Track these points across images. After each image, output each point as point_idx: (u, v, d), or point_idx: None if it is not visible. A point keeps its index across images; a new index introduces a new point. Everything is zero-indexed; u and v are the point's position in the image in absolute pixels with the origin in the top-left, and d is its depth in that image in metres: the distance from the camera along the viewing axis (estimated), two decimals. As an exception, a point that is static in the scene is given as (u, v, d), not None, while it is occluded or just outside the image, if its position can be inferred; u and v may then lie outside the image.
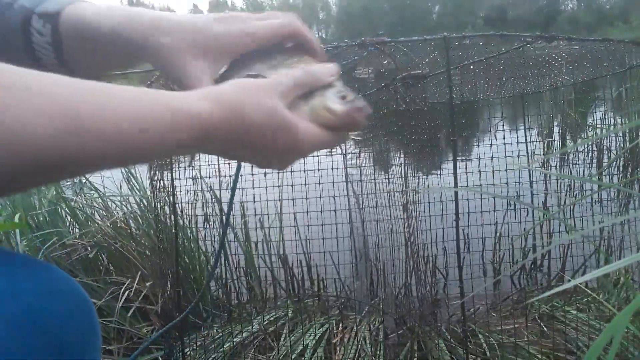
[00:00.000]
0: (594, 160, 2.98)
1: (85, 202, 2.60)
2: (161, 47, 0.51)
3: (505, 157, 2.04)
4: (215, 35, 0.52)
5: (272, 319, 1.95)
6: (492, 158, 2.06)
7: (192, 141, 0.42)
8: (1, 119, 0.32)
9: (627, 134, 3.02)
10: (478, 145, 2.18)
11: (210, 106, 0.43)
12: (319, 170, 1.99)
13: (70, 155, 0.35)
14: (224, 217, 1.45)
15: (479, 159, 2.03)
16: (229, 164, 1.85)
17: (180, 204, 1.93)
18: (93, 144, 0.36)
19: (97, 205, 2.56)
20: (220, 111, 0.44)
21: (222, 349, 1.77)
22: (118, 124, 0.37)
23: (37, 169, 0.35)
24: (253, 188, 1.99)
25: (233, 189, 0.89)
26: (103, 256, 2.27)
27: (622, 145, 2.92)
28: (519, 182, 2.42)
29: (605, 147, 3.06)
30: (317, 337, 1.79)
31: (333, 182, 2.08)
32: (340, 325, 1.88)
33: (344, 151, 2.37)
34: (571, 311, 1.85)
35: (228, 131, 0.45)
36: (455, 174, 1.57)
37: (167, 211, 1.82)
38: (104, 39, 0.55)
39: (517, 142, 2.10)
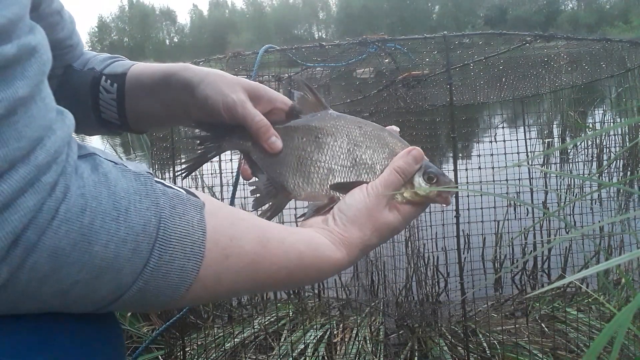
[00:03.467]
0: (594, 159, 2.98)
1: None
2: (215, 82, 0.68)
3: (505, 154, 2.04)
4: (237, 80, 0.70)
5: (272, 319, 1.95)
6: (491, 155, 2.05)
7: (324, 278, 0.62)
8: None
9: (627, 134, 3.02)
10: (478, 143, 2.17)
11: (344, 255, 0.59)
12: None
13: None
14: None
15: (479, 155, 2.03)
16: (230, 160, 1.85)
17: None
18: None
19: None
20: (350, 255, 0.60)
21: (222, 349, 1.77)
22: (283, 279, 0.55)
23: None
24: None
25: (234, 187, 0.89)
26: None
27: (622, 144, 2.92)
28: (519, 179, 2.41)
29: (605, 147, 3.05)
30: (318, 337, 1.79)
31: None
32: (341, 325, 1.88)
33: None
34: (572, 312, 1.84)
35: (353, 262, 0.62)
36: (455, 171, 1.57)
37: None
38: (163, 84, 0.71)
39: (517, 139, 2.10)
